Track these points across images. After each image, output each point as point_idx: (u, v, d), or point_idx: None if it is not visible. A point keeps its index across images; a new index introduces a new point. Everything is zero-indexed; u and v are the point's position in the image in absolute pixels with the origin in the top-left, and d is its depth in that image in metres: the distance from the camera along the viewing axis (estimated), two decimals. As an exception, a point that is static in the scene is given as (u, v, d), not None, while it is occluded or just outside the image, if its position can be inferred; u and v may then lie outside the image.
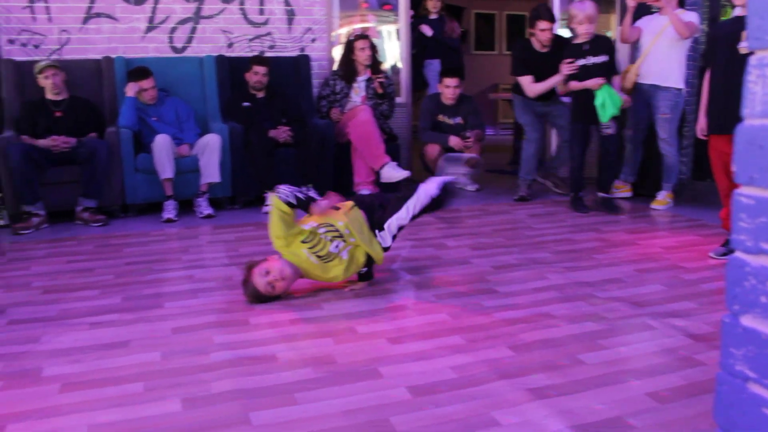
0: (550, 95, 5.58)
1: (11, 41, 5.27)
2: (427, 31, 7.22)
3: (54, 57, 5.35)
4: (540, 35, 5.37)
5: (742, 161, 1.08)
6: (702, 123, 3.92)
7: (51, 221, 4.77)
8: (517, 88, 5.64)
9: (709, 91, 3.82)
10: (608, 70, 4.88)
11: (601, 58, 4.85)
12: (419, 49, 7.12)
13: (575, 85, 4.93)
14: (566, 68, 4.93)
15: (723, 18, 6.10)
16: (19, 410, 2.09)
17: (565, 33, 6.15)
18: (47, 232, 4.59)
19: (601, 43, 4.92)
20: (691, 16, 5.01)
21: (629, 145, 5.45)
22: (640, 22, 5.24)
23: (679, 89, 5.10)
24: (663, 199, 5.22)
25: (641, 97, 5.23)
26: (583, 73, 4.86)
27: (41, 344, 2.63)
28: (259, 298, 3.04)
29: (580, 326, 2.76)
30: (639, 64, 5.17)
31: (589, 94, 4.83)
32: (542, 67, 5.33)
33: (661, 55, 5.04)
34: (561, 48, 5.19)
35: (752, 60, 1.06)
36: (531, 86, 5.43)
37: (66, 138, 4.75)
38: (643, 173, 5.60)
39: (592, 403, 2.10)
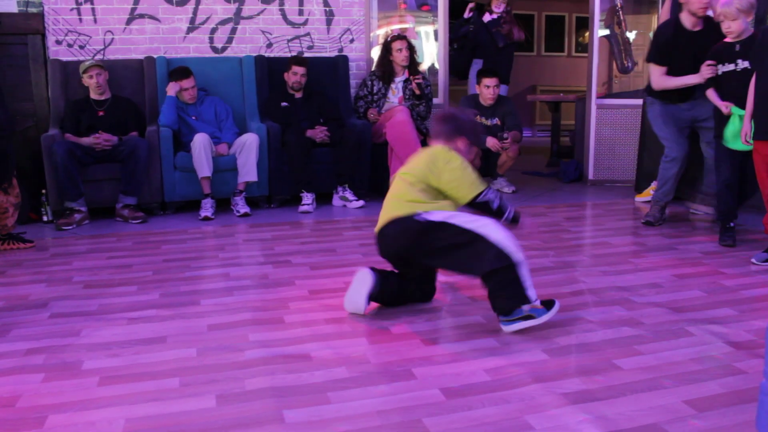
0: (693, 92, 4.44)
1: (58, 42, 5.40)
2: (487, 17, 6.86)
3: (98, 57, 5.47)
4: (693, 2, 4.27)
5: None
6: (746, 128, 3.83)
7: (92, 218, 4.88)
8: (654, 90, 4.57)
9: (756, 96, 3.73)
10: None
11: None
12: (468, 47, 6.88)
13: (712, 96, 4.14)
14: (707, 71, 4.13)
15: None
16: (59, 401, 2.14)
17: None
18: (88, 228, 4.69)
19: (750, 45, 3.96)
20: None
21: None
22: None
23: None
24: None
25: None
26: (729, 80, 4.05)
27: (81, 338, 2.69)
28: None
29: (617, 331, 2.72)
30: None
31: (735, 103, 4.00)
32: (689, 51, 4.31)
33: None
34: (715, 30, 4.17)
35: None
36: (660, 79, 4.46)
37: (108, 136, 4.85)
38: (641, 171, 5.52)
39: (627, 409, 2.07)
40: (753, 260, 3.71)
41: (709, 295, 3.17)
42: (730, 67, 4.06)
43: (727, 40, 4.08)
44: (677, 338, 2.66)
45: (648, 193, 5.39)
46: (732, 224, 4.13)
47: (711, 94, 4.16)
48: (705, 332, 2.70)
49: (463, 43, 6.82)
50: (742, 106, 3.87)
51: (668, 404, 2.10)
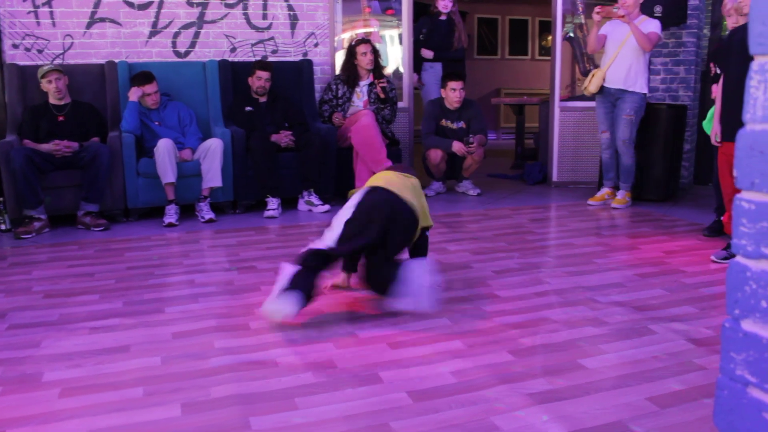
0: None
1: (15, 46, 5.29)
2: (427, 54, 6.66)
3: (57, 61, 5.37)
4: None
5: (744, 166, 1.08)
6: (716, 128, 3.93)
7: (52, 226, 4.78)
8: None
9: (723, 99, 3.81)
10: None
11: None
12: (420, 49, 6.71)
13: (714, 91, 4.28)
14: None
15: (725, 23, 6.09)
16: (19, 415, 2.09)
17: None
18: (49, 236, 4.59)
19: None
20: (653, 25, 5.11)
21: (608, 152, 5.47)
22: (604, 28, 5.32)
23: (644, 94, 5.26)
24: (622, 198, 5.40)
25: (608, 100, 5.37)
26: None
27: (42, 349, 2.63)
28: None
29: (581, 331, 2.76)
30: (605, 69, 5.27)
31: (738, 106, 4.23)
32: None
33: (627, 61, 5.19)
34: None
35: (754, 65, 1.06)
36: None
37: (68, 142, 4.75)
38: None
39: (592, 407, 2.10)
40: (713, 258, 3.79)
41: (671, 294, 3.23)
42: None
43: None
44: (640, 336, 2.70)
45: (602, 197, 5.49)
46: (722, 218, 4.28)
47: (714, 89, 4.27)
48: (667, 330, 2.75)
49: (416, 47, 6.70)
50: None
51: (631, 402, 2.14)
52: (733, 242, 1.11)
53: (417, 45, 6.65)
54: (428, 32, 6.65)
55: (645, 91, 5.25)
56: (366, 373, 2.37)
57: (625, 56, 5.18)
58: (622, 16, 5.00)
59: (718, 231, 4.32)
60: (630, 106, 5.23)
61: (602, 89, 5.35)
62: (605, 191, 5.54)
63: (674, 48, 6.09)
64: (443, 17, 6.64)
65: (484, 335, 2.71)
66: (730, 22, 4.14)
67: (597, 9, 5.15)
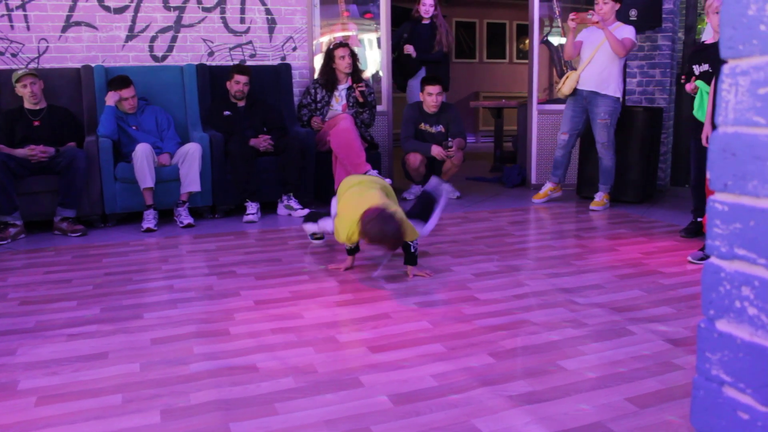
0: None
1: (-12, 50, 5.22)
2: (411, 51, 6.63)
3: (32, 66, 5.31)
4: None
5: (717, 168, 1.09)
6: (707, 130, 3.98)
7: (28, 231, 4.72)
8: None
9: (714, 101, 3.86)
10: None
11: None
12: (401, 59, 6.72)
13: (689, 88, 4.35)
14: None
15: (699, 27, 6.19)
16: (-6, 424, 2.06)
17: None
18: (24, 242, 4.54)
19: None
20: (628, 31, 5.18)
21: (562, 151, 5.58)
22: (580, 35, 5.39)
23: (617, 97, 5.33)
24: (600, 200, 5.46)
25: (579, 103, 5.40)
26: (706, 81, 4.19)
27: (17, 356, 2.60)
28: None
29: (561, 332, 2.78)
30: (580, 72, 5.35)
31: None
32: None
33: (601, 65, 5.26)
34: None
35: (725, 69, 1.08)
36: None
37: (44, 147, 4.70)
38: (582, 176, 5.74)
39: (572, 409, 2.11)
40: (689, 258, 3.83)
41: (649, 295, 3.26)
42: (705, 67, 4.22)
43: (708, 41, 4.28)
44: (619, 337, 2.72)
45: (545, 194, 5.66)
46: (699, 219, 4.37)
47: (688, 87, 4.32)
48: (645, 331, 2.78)
49: (398, 52, 6.69)
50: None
51: (611, 402, 2.15)
52: (707, 243, 1.12)
53: (399, 50, 6.66)
54: (409, 37, 6.64)
55: (618, 95, 5.31)
56: (346, 378, 2.36)
57: (599, 60, 5.25)
58: (596, 22, 5.05)
59: (696, 232, 4.38)
60: (604, 110, 5.29)
61: (575, 91, 5.40)
62: (548, 187, 5.68)
63: (650, 51, 6.16)
64: (426, 21, 6.62)
65: (464, 338, 2.72)
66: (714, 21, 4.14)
67: (572, 15, 5.21)
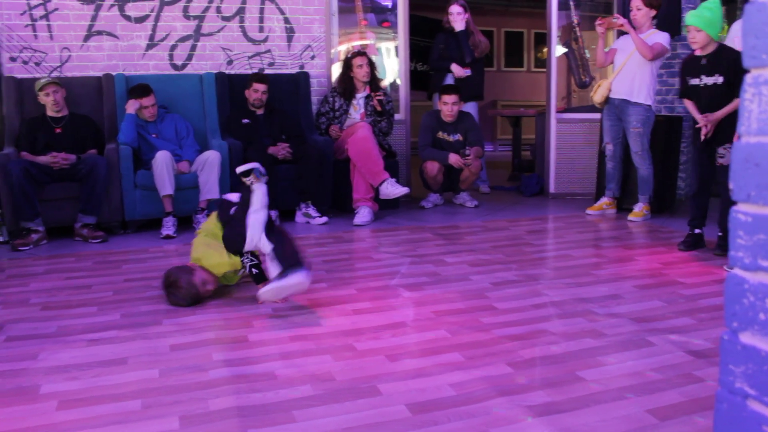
0: None
1: (13, 59, 5.30)
2: (462, 73, 6.41)
3: (55, 74, 5.38)
4: None
5: (739, 179, 1.08)
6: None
7: (50, 238, 4.78)
8: None
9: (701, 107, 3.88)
10: (722, 95, 4.06)
11: (716, 79, 4.10)
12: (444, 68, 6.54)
13: (689, 107, 4.34)
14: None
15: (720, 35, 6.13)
16: (16, 428, 2.08)
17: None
18: (46, 248, 4.59)
19: (722, 59, 4.06)
20: (660, 37, 5.12)
21: (611, 162, 5.51)
22: (616, 43, 5.37)
23: (649, 105, 5.25)
24: (640, 211, 5.36)
25: (612, 111, 5.36)
26: (697, 94, 4.24)
27: (39, 361, 2.62)
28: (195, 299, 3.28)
29: (579, 343, 2.76)
30: (611, 80, 5.31)
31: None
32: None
33: (632, 72, 5.21)
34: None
35: (748, 78, 1.07)
36: None
37: (66, 155, 4.76)
38: (621, 187, 5.70)
39: (591, 420, 2.09)
40: (726, 268, 3.78)
41: (669, 305, 3.23)
42: (695, 81, 4.21)
43: (696, 52, 4.22)
44: (639, 348, 2.70)
45: (600, 207, 5.51)
46: (697, 231, 4.31)
47: (689, 105, 4.31)
48: (665, 342, 2.75)
49: (440, 65, 6.58)
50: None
51: (631, 414, 2.13)
52: (731, 254, 1.11)
53: (434, 62, 6.59)
54: (445, 47, 6.51)
55: (650, 102, 5.22)
56: (364, 386, 2.36)
57: (630, 67, 5.19)
58: (621, 25, 5.03)
59: (695, 244, 4.30)
60: (635, 118, 5.22)
61: (608, 100, 5.36)
62: (603, 201, 5.56)
63: (669, 60, 6.12)
64: (460, 28, 6.40)
65: (482, 347, 2.71)
66: (689, 38, 4.17)
67: (598, 21, 5.18)
